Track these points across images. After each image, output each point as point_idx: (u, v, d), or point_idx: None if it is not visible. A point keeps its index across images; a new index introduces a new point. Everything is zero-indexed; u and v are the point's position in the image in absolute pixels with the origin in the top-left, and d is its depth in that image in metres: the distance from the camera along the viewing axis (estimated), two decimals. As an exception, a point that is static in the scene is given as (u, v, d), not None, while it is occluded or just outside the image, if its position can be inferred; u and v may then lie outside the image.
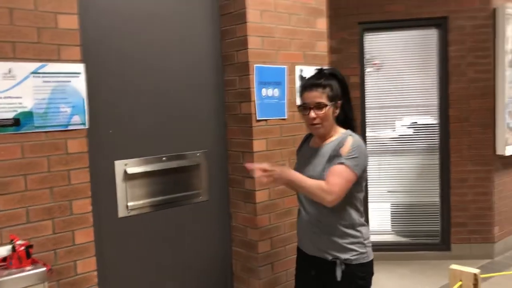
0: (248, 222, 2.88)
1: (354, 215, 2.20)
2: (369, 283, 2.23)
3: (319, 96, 2.15)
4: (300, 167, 2.30)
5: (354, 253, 2.16)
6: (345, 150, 2.11)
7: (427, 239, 4.83)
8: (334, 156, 2.13)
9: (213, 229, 2.96)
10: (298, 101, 2.44)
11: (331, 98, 2.17)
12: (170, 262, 2.77)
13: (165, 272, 2.75)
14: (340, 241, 2.16)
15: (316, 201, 2.15)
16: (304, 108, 2.20)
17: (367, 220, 4.76)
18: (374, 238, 4.77)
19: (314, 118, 2.16)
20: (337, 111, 2.22)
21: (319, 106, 2.15)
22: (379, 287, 4.16)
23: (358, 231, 2.19)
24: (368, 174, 4.63)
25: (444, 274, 4.25)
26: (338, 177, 2.07)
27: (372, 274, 2.24)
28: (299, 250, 2.39)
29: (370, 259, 2.21)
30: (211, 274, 2.97)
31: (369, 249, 2.22)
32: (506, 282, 4.00)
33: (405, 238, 4.91)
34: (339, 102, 2.22)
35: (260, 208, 2.83)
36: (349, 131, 2.22)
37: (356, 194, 2.20)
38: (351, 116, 2.29)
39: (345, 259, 2.15)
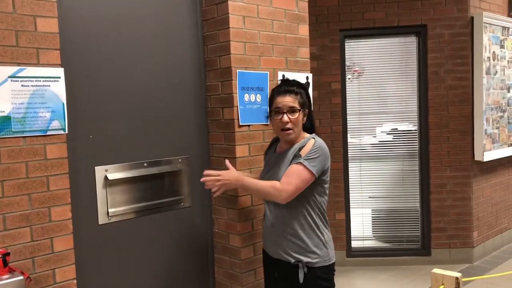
0: (231, 228, 2.87)
1: (316, 218, 2.25)
2: (333, 284, 2.30)
3: (292, 101, 2.25)
4: (266, 172, 2.38)
5: (315, 256, 2.22)
6: (305, 151, 2.20)
7: (407, 245, 4.87)
8: (294, 157, 2.21)
9: (195, 235, 2.93)
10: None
11: (301, 105, 2.27)
12: (151, 269, 2.73)
13: (146, 279, 2.71)
14: (302, 244, 2.23)
15: (280, 205, 2.23)
16: (276, 112, 2.27)
17: (348, 226, 4.78)
18: (355, 244, 4.84)
19: (287, 122, 2.23)
20: (305, 118, 2.32)
21: (293, 110, 2.23)
22: (361, 292, 4.18)
23: (320, 234, 2.25)
24: (349, 179, 4.74)
25: (425, 279, 4.31)
26: (293, 176, 2.15)
27: (333, 274, 2.30)
28: (264, 253, 2.45)
29: (333, 261, 2.28)
30: (194, 281, 2.93)
31: (332, 252, 2.28)
32: (485, 286, 4.06)
33: (386, 244, 4.95)
34: (307, 110, 2.32)
35: (243, 214, 2.82)
36: (313, 135, 2.31)
37: (318, 197, 2.25)
38: (314, 125, 2.39)
39: (307, 262, 2.21)
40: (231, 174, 2.27)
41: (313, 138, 2.25)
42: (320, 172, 2.19)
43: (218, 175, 2.24)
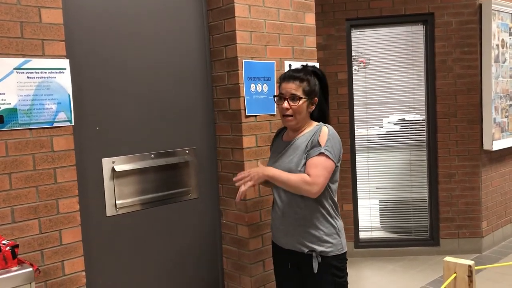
0: (239, 219, 2.85)
1: (329, 206, 2.23)
2: (346, 273, 2.28)
3: (295, 88, 2.21)
4: (274, 161, 2.34)
5: (329, 245, 2.20)
6: (323, 139, 2.16)
7: (416, 235, 4.85)
8: (313, 147, 2.17)
9: (203, 226, 2.92)
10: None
11: (307, 93, 2.22)
12: (160, 260, 2.73)
13: (155, 270, 2.71)
14: (316, 233, 2.20)
15: (291, 193, 2.20)
16: (280, 98, 2.26)
17: (356, 217, 4.76)
18: (363, 234, 4.82)
19: (287, 109, 2.21)
20: (313, 107, 2.27)
21: (294, 98, 2.21)
22: (370, 283, 4.17)
23: (333, 222, 2.24)
24: (356, 170, 4.71)
25: (434, 269, 4.29)
26: (319, 168, 2.12)
27: (346, 263, 2.29)
28: (274, 245, 2.42)
29: (345, 250, 2.27)
30: (202, 272, 2.93)
31: (344, 240, 2.27)
32: (495, 276, 4.03)
33: (394, 234, 4.92)
34: (316, 98, 2.27)
35: (250, 205, 2.80)
36: (321, 123, 2.27)
37: (330, 185, 2.23)
38: (328, 115, 2.34)
39: (321, 252, 2.19)
40: (258, 168, 2.26)
41: (325, 125, 2.22)
42: (337, 159, 2.19)
43: (248, 172, 2.22)
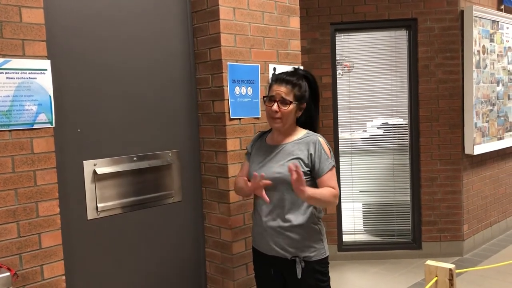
0: (222, 222, 2.84)
1: (313, 211, 2.23)
2: (329, 277, 2.29)
3: (286, 92, 2.20)
4: (261, 165, 2.27)
5: (313, 249, 2.21)
6: (327, 151, 2.21)
7: (398, 238, 4.89)
8: (321, 161, 2.17)
9: (186, 230, 2.90)
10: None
11: (297, 98, 2.22)
12: (142, 264, 2.69)
13: (137, 275, 2.68)
14: (299, 238, 2.20)
15: (275, 200, 2.20)
16: (269, 99, 2.24)
17: (339, 220, 4.78)
18: (346, 238, 4.84)
19: (276, 112, 2.20)
20: (300, 112, 2.27)
21: (284, 101, 2.20)
22: (352, 286, 4.18)
23: (317, 227, 2.24)
24: (340, 174, 4.73)
25: (416, 272, 4.33)
26: (334, 178, 2.20)
27: (328, 267, 2.29)
28: (255, 250, 2.39)
29: (328, 254, 2.28)
30: (185, 276, 2.91)
31: (326, 244, 2.29)
32: (476, 279, 4.08)
33: (377, 238, 4.95)
34: (304, 104, 2.26)
35: (234, 208, 2.79)
36: (311, 132, 2.28)
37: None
38: (317, 121, 2.35)
39: (305, 257, 2.19)
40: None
41: (318, 135, 2.24)
42: None
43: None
